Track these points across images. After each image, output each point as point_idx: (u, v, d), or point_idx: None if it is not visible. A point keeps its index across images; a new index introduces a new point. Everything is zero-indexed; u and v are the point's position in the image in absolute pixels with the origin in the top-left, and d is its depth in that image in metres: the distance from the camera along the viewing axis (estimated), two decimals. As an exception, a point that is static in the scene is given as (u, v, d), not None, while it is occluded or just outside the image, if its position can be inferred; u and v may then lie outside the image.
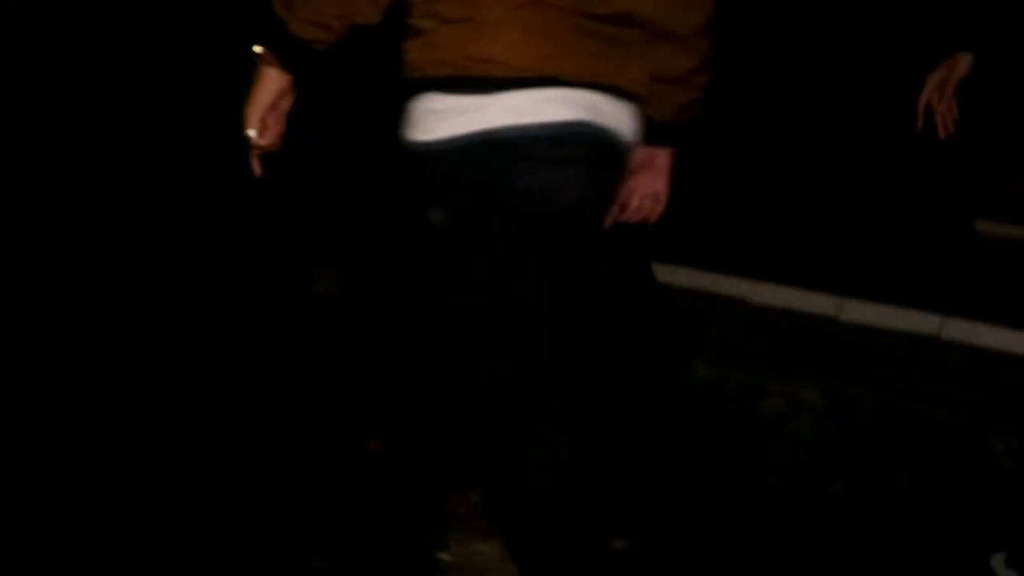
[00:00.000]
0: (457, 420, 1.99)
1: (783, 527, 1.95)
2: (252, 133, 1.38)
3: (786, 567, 1.82)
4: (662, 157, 1.43)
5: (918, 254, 3.22)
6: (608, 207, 1.39)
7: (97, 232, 3.69)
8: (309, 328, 2.73)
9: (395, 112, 1.54)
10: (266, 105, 1.32)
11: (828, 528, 1.97)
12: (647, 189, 1.46)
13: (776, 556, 1.86)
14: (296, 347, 2.66)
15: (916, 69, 1.85)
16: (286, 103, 1.38)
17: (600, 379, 1.98)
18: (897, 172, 3.59)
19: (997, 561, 1.73)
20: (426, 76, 1.25)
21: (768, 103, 3.84)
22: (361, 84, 2.48)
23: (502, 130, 1.17)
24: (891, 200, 3.52)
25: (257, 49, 1.33)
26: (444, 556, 1.73)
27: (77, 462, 2.14)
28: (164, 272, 3.43)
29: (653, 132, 1.36)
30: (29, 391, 2.44)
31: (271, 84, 1.31)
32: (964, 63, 1.69)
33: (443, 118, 1.20)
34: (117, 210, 3.86)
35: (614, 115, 1.24)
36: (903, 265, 3.09)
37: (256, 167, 1.43)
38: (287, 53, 1.29)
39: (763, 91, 3.61)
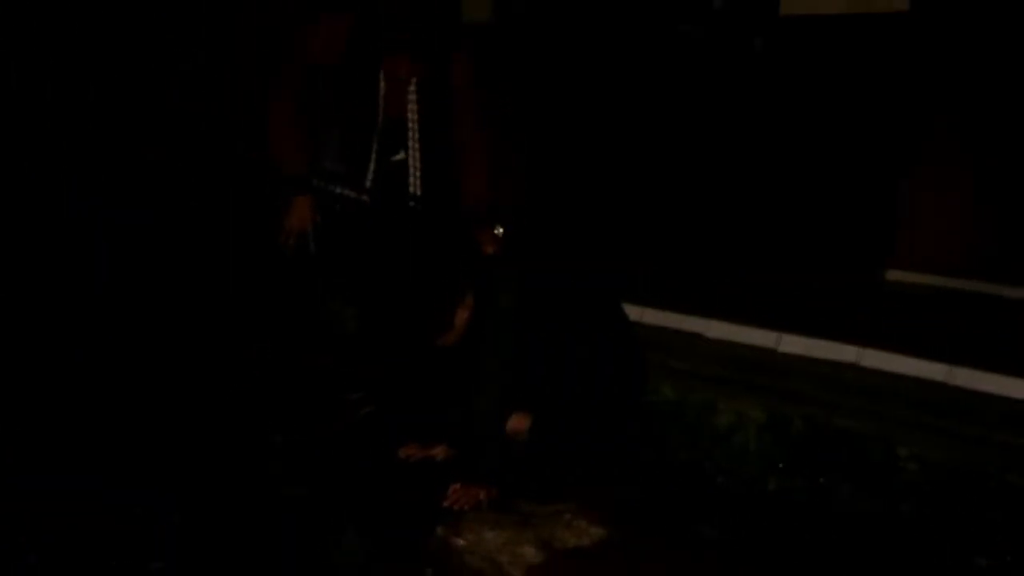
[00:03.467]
0: (466, 432, 2.16)
1: (730, 517, 2.12)
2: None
3: (731, 550, 2.00)
4: None
5: (840, 298, 3.38)
6: None
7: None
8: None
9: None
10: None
11: (766, 519, 2.13)
12: None
13: (724, 541, 2.03)
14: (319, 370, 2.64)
15: None
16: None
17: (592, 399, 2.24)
18: (817, 234, 3.74)
19: None
20: None
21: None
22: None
23: None
24: (816, 255, 3.69)
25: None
26: (459, 541, 1.92)
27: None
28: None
29: None
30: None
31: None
32: None
33: None
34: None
35: None
36: (828, 306, 3.20)
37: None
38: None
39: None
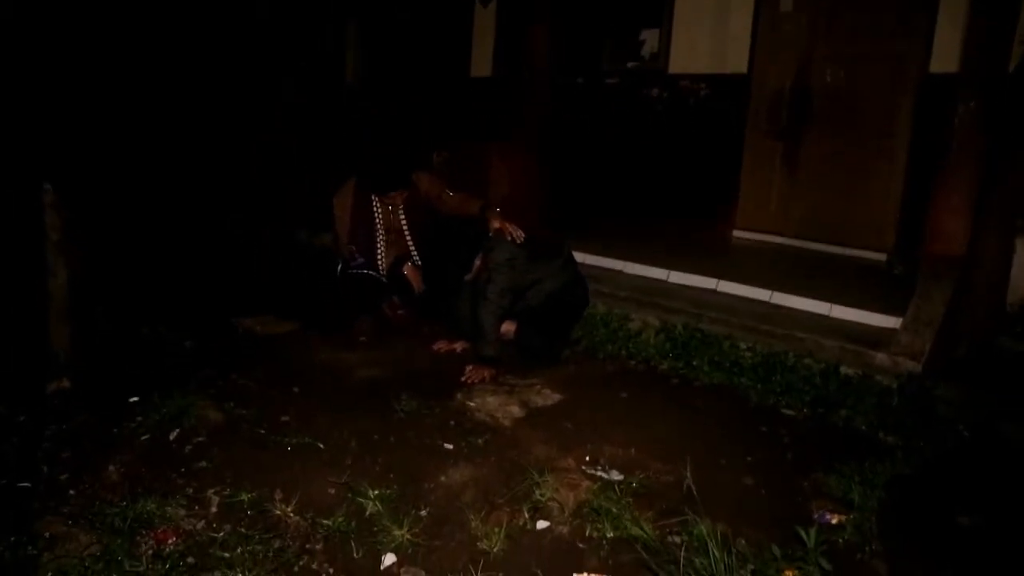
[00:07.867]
0: (477, 333, 2.49)
1: (639, 389, 2.45)
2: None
3: (637, 404, 2.30)
4: None
5: (706, 248, 3.83)
6: None
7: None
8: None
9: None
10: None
11: (659, 387, 2.48)
12: None
13: (633, 398, 2.35)
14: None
15: None
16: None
17: (553, 309, 2.62)
18: (694, 208, 4.28)
19: None
20: None
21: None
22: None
23: None
24: (693, 221, 4.23)
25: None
26: (471, 403, 2.29)
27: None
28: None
29: None
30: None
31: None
32: None
33: None
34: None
35: None
36: (696, 254, 3.58)
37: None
38: None
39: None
